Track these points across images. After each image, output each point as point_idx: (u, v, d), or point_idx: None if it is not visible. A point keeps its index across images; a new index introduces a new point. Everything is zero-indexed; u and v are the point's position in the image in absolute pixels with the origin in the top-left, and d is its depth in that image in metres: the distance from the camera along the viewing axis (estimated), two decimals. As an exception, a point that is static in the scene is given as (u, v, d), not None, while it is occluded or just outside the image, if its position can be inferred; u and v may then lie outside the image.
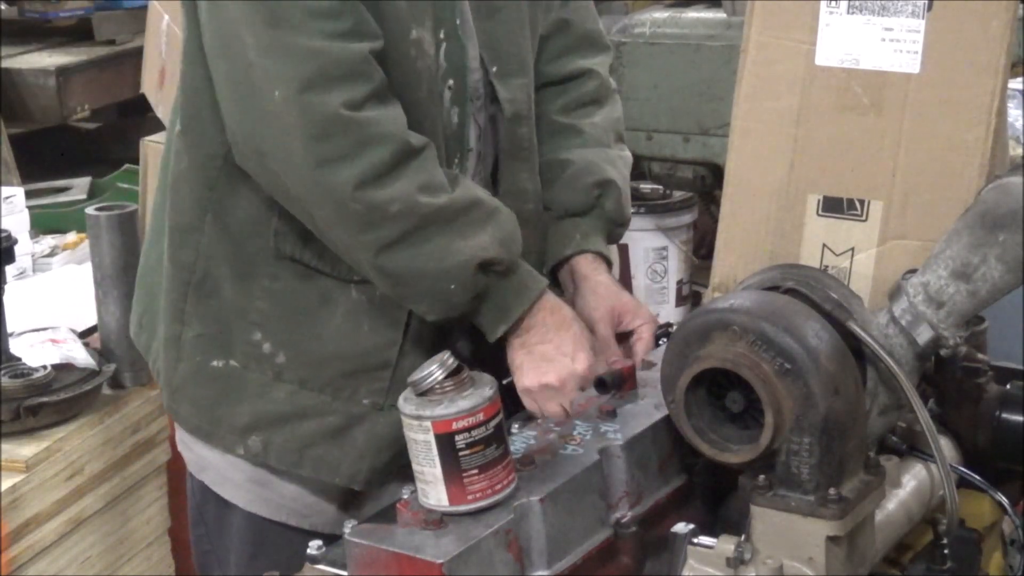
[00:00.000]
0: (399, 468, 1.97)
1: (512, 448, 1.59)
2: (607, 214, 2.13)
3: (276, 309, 2.01)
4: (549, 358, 1.87)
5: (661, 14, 5.55)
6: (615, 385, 1.78)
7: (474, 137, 2.05)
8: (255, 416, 2.04)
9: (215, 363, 2.06)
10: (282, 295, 2.01)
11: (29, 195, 3.73)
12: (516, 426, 1.74)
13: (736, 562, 1.56)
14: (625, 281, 5.69)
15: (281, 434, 2.03)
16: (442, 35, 1.97)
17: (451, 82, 1.99)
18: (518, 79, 2.08)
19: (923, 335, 1.70)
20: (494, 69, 2.05)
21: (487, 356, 1.95)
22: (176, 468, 2.71)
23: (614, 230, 2.16)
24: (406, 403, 1.54)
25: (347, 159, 1.79)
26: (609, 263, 2.13)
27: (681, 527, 1.60)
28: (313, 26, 1.82)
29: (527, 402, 1.88)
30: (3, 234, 2.74)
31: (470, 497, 1.52)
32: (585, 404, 1.77)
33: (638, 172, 5.69)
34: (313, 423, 2.02)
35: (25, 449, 2.64)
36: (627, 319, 2.04)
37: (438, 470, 1.52)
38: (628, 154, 2.23)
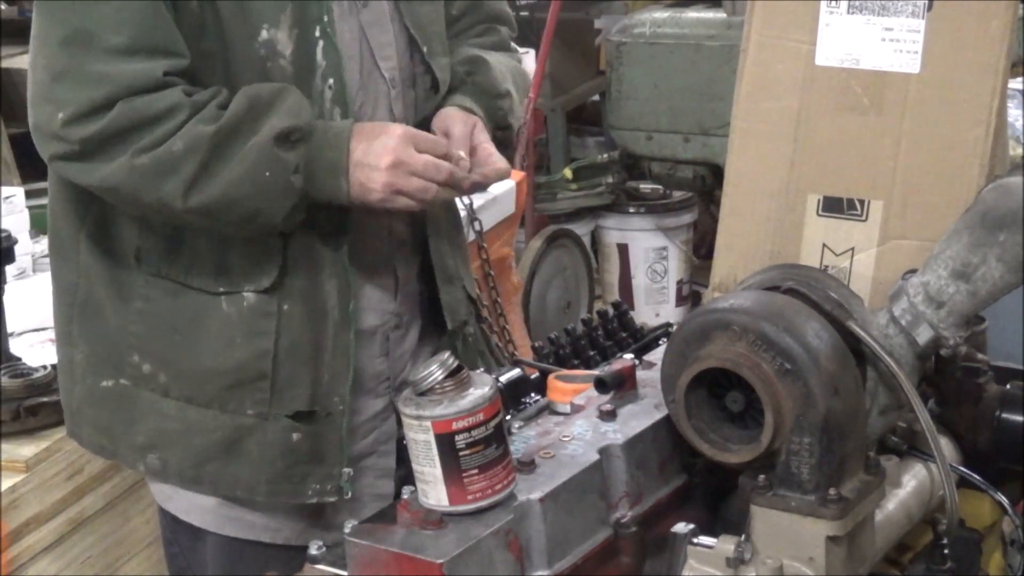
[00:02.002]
0: (303, 473, 2.03)
1: (512, 448, 1.59)
2: (478, 86, 2.18)
3: (151, 331, 2.02)
4: (377, 152, 1.94)
5: (661, 14, 5.57)
6: (615, 385, 1.77)
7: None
8: (150, 434, 2.05)
9: (105, 383, 2.05)
10: (155, 316, 2.02)
11: (29, 195, 3.72)
12: (516, 426, 1.74)
13: (736, 562, 1.56)
14: (625, 281, 5.71)
15: (176, 452, 2.03)
16: (317, 33, 1.97)
17: (331, 81, 2.00)
18: (444, 58, 2.16)
19: (923, 335, 1.70)
20: (425, 50, 2.11)
21: None
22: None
23: (491, 102, 2.18)
24: (406, 403, 1.54)
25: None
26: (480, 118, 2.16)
27: (681, 527, 1.60)
28: (105, 49, 1.88)
29: (388, 199, 1.96)
30: (3, 234, 2.74)
31: (470, 497, 1.52)
32: (585, 404, 1.76)
33: (638, 172, 5.71)
34: (204, 438, 2.02)
35: (25, 449, 2.64)
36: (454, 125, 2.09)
37: (438, 470, 1.52)
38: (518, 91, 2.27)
